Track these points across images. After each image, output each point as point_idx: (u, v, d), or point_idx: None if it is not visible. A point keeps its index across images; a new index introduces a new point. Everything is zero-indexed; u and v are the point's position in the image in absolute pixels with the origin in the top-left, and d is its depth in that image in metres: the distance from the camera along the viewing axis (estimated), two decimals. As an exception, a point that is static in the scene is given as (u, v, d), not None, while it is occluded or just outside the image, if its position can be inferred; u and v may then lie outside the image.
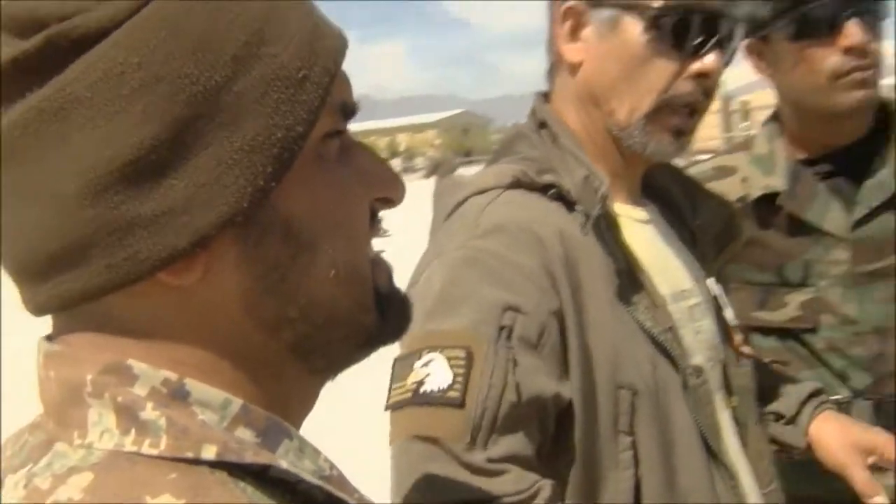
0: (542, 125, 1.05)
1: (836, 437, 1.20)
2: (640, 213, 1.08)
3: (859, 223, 1.41)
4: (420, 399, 0.85)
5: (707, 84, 1.00)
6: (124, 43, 0.43)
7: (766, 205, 1.45)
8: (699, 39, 0.97)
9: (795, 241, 1.44)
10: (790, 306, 1.45)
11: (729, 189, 1.45)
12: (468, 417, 0.83)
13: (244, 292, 0.50)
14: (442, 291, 0.91)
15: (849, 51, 1.31)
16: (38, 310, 0.49)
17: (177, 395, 0.47)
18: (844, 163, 1.44)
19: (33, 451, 0.49)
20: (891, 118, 1.44)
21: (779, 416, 1.25)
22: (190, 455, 0.45)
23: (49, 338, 0.51)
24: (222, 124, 0.45)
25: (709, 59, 0.97)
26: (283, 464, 0.47)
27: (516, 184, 0.97)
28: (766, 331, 1.49)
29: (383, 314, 0.57)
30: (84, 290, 0.46)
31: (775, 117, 1.53)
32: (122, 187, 0.44)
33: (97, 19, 0.43)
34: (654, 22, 0.96)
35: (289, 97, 0.47)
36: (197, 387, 0.48)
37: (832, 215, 1.42)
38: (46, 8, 0.43)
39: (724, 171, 1.52)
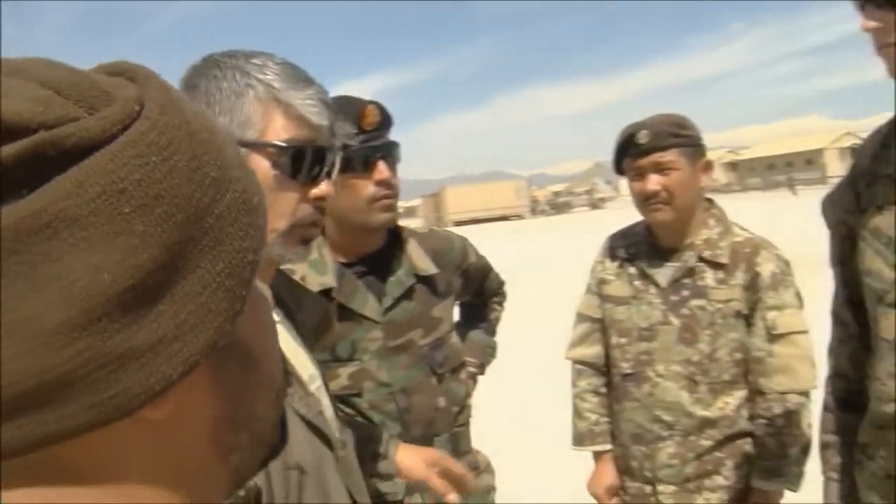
0: None
1: (413, 459, 1.58)
2: (275, 314, 1.21)
3: (388, 310, 1.87)
4: None
5: (323, 204, 1.19)
6: (122, 157, 0.39)
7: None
8: (313, 171, 1.15)
9: (345, 325, 1.82)
10: (342, 377, 1.83)
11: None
12: None
13: (212, 419, 0.48)
14: None
15: (379, 183, 1.77)
16: None
17: None
18: (372, 265, 1.90)
19: None
20: (400, 234, 1.97)
21: (376, 455, 1.60)
22: None
23: None
24: (207, 247, 0.42)
25: (323, 186, 1.17)
26: None
27: None
28: (324, 399, 1.85)
29: (283, 432, 0.57)
30: (54, 434, 0.39)
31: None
32: (117, 315, 0.39)
33: (90, 129, 0.39)
34: (278, 158, 1.11)
35: (252, 221, 0.46)
36: None
37: (369, 305, 1.85)
38: (28, 112, 0.38)
39: (287, 272, 1.85)
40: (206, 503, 0.49)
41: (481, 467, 2.05)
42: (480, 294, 2.31)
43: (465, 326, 2.33)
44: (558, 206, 71.20)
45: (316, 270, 1.84)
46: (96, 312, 0.38)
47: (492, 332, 2.37)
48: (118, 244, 0.38)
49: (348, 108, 1.74)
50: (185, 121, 0.43)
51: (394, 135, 1.83)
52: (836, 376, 1.73)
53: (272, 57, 1.16)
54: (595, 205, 70.28)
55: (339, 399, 1.82)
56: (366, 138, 1.76)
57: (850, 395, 1.68)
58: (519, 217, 62.60)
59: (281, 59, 1.16)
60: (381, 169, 1.78)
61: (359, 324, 1.84)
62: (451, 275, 2.05)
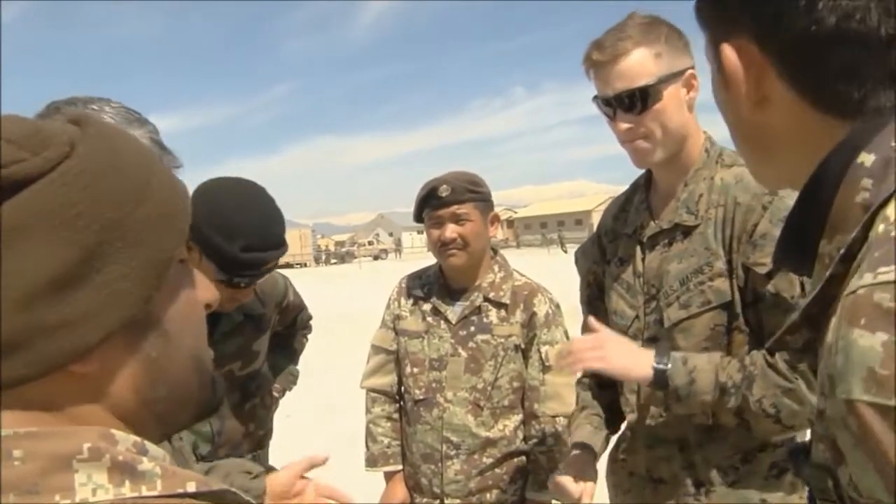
0: None
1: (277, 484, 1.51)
2: None
3: (216, 342, 1.99)
4: None
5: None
6: (52, 187, 0.54)
7: None
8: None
9: None
10: None
11: None
12: None
13: (133, 375, 0.61)
14: None
15: None
16: None
17: (141, 451, 0.58)
18: None
19: None
20: None
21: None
22: (180, 490, 0.56)
23: None
24: (124, 248, 0.57)
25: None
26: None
27: None
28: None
29: (213, 392, 0.71)
30: (10, 379, 0.54)
31: None
32: (50, 296, 0.53)
33: (31, 168, 0.54)
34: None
35: (168, 228, 0.61)
36: (147, 444, 0.59)
37: None
38: None
39: None
40: (141, 437, 0.63)
41: None
42: (291, 326, 2.55)
43: (272, 353, 2.49)
44: (341, 255, 71.49)
45: None
46: (35, 294, 0.53)
47: (295, 362, 2.63)
48: (50, 246, 0.54)
49: None
50: (112, 157, 0.59)
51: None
52: (585, 375, 2.08)
53: (109, 101, 1.30)
54: (377, 255, 71.29)
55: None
56: None
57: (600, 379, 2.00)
58: (303, 265, 62.19)
59: (118, 103, 1.31)
60: None
61: None
62: (272, 311, 2.25)
